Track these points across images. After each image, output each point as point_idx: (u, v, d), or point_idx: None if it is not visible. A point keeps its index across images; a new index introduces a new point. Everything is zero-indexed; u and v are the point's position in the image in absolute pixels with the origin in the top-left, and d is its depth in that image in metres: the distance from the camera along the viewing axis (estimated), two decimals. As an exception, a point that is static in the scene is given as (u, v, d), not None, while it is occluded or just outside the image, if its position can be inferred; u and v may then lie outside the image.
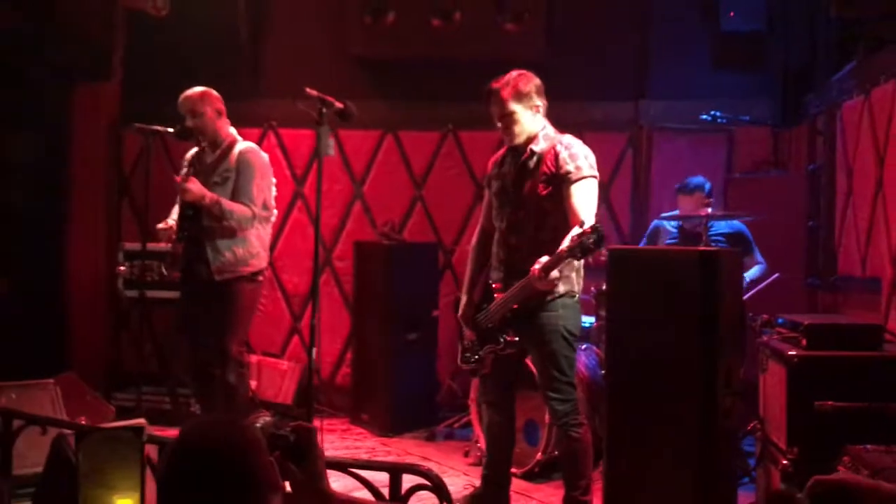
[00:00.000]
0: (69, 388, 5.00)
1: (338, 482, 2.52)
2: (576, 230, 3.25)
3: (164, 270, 5.11)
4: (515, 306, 3.52)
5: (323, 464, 1.83)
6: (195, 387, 4.69)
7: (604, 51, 5.99)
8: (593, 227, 3.18)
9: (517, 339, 3.56)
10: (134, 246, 5.69)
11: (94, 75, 6.06)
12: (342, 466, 2.33)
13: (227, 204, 4.22)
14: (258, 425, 1.94)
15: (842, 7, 4.53)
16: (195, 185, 4.16)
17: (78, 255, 6.10)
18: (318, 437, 1.87)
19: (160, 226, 4.42)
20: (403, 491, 2.33)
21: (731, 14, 5.56)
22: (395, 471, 2.26)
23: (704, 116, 5.58)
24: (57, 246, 6.07)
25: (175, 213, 4.48)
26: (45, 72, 5.80)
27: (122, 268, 5.62)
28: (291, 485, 1.80)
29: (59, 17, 5.89)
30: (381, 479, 2.43)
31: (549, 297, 3.55)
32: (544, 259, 3.31)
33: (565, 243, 3.30)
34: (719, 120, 5.58)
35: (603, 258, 3.37)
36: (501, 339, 3.56)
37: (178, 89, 4.52)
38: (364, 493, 2.36)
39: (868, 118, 4.41)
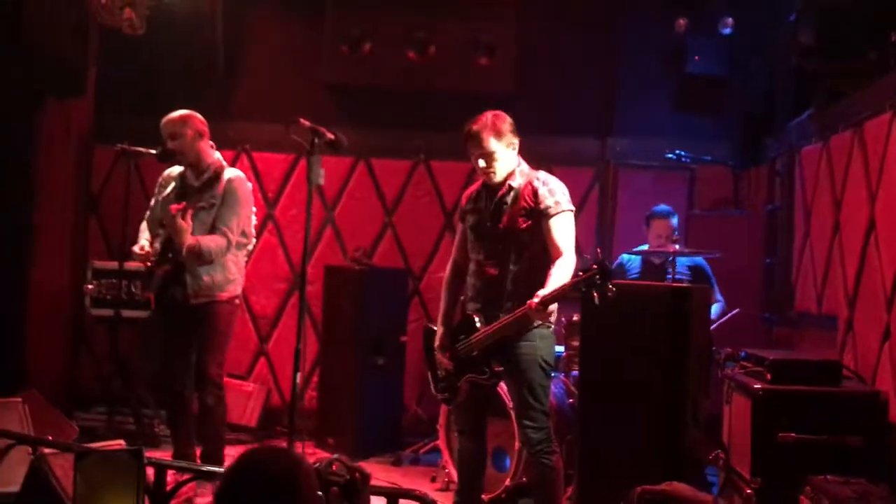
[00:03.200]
0: (32, 406, 4.93)
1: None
2: (563, 264, 3.37)
3: (133, 290, 5.09)
4: (498, 337, 3.61)
5: None
6: (165, 410, 4.67)
7: (572, 87, 6.19)
8: (600, 265, 3.25)
9: (501, 368, 3.64)
10: (103, 264, 5.67)
11: (66, 91, 6.01)
12: (341, 490, 2.39)
13: (204, 243, 4.21)
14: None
15: (802, 59, 4.77)
16: (186, 227, 4.16)
17: (42, 271, 6.01)
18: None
19: (135, 249, 4.41)
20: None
21: (697, 58, 5.80)
22: (393, 496, 2.33)
23: (669, 155, 5.79)
24: (20, 261, 5.98)
25: (145, 233, 4.48)
26: (14, 86, 5.75)
27: (89, 286, 5.57)
28: None
29: (28, 32, 5.86)
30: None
31: (527, 328, 3.65)
32: (544, 291, 3.39)
33: (560, 278, 3.39)
34: (683, 159, 5.80)
35: (611, 293, 3.23)
36: (486, 370, 3.64)
37: (152, 108, 4.54)
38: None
39: (826, 164, 4.64)
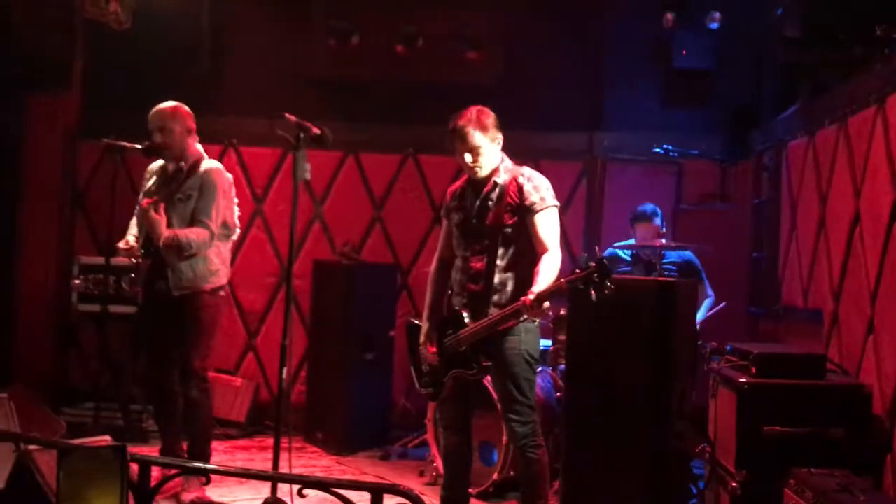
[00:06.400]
0: (18, 402, 4.91)
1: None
2: (549, 260, 3.37)
3: (124, 285, 5.07)
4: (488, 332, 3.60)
5: None
6: (153, 405, 4.66)
7: (560, 82, 6.19)
8: (599, 262, 3.24)
9: (489, 363, 3.64)
10: (90, 260, 5.66)
11: (52, 86, 6.00)
12: (325, 486, 2.39)
13: (183, 235, 4.18)
14: None
15: (788, 52, 4.79)
16: (159, 219, 4.14)
17: (29, 267, 6.01)
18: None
19: (121, 245, 4.39)
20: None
21: (684, 52, 5.80)
22: (377, 491, 2.33)
23: (656, 149, 5.80)
24: (7, 257, 5.97)
25: (133, 228, 4.46)
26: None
27: (76, 281, 5.55)
28: None
29: (15, 27, 5.84)
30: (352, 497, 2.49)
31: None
32: (538, 288, 3.38)
33: (549, 274, 3.40)
34: (670, 153, 5.81)
35: (609, 291, 3.20)
36: (474, 365, 3.64)
37: (139, 103, 4.51)
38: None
39: (812, 158, 4.66)
